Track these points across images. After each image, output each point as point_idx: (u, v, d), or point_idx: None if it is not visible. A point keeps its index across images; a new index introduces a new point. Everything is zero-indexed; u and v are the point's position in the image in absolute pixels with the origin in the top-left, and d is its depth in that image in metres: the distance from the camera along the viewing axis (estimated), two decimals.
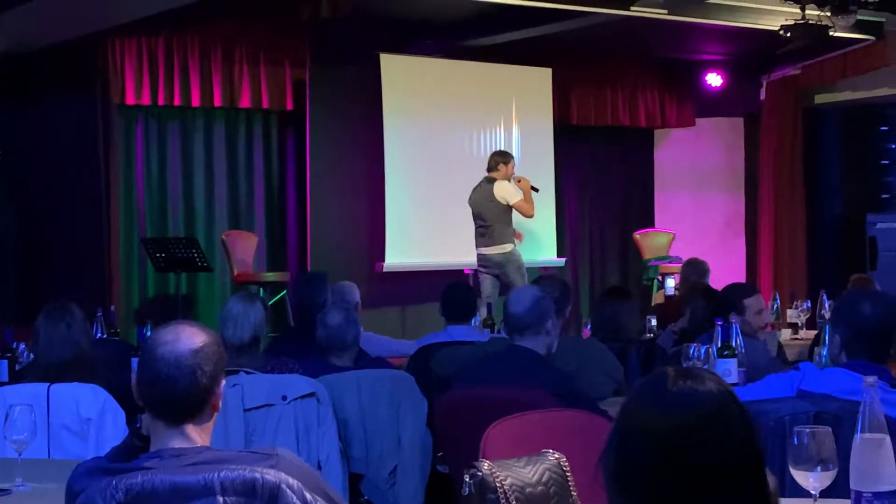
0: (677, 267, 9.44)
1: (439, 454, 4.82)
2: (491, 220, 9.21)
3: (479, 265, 9.35)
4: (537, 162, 11.20)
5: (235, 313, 4.51)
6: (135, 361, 2.59)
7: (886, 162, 12.51)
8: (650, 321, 6.95)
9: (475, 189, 9.43)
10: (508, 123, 11.06)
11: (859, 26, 10.03)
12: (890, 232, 11.87)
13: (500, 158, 9.40)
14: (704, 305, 5.92)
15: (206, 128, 10.01)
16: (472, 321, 6.37)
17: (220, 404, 2.58)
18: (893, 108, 12.28)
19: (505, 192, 9.21)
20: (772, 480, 2.11)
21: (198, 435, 2.50)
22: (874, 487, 2.33)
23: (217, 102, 9.72)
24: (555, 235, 11.34)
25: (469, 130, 10.86)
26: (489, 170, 9.38)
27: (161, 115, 9.80)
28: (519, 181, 9.39)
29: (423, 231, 10.48)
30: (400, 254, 10.32)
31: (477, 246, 9.33)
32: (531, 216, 9.46)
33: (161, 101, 9.48)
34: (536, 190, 9.54)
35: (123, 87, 9.27)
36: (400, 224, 10.33)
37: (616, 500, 1.84)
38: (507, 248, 9.20)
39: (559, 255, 11.39)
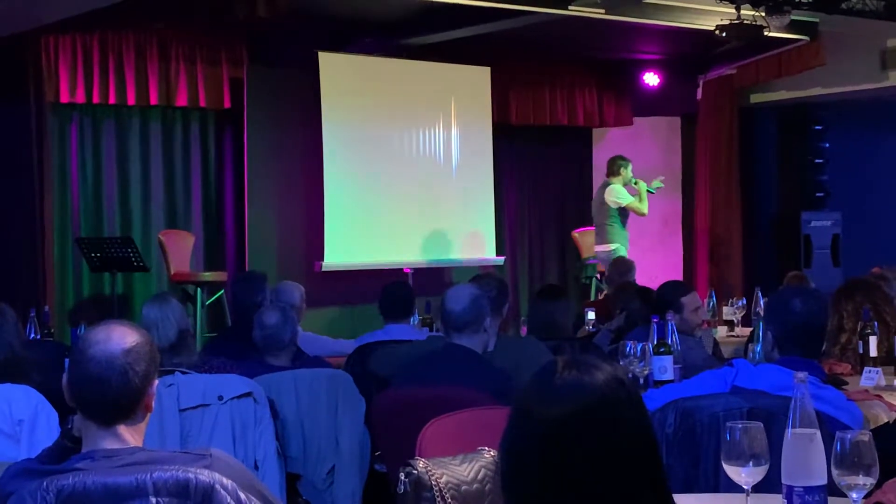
0: None
1: (377, 453, 4.81)
2: (600, 220, 10.14)
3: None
4: (476, 161, 11.22)
5: (154, 318, 4.49)
6: (68, 362, 2.56)
7: (820, 161, 12.68)
8: (588, 313, 7.00)
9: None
10: (447, 122, 11.07)
11: (793, 26, 10.15)
12: (823, 230, 12.04)
13: (621, 163, 10.18)
14: (640, 304, 5.96)
15: (141, 126, 9.91)
16: (411, 320, 6.37)
17: (154, 404, 2.55)
18: (827, 108, 12.45)
19: (614, 195, 10.06)
20: None
21: (130, 435, 2.48)
22: (805, 482, 2.36)
23: (153, 101, 9.62)
24: (493, 234, 11.37)
25: (408, 129, 10.85)
26: (609, 174, 10.20)
27: (96, 114, 9.68)
28: (636, 183, 10.19)
29: (363, 230, 10.45)
30: (339, 253, 10.29)
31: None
32: (643, 215, 10.28)
33: (96, 100, 9.36)
34: (652, 192, 10.31)
35: (57, 85, 9.14)
36: (339, 223, 10.29)
37: (505, 495, 1.84)
38: (612, 246, 9.97)
39: (498, 253, 11.43)
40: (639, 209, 10.14)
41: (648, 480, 1.80)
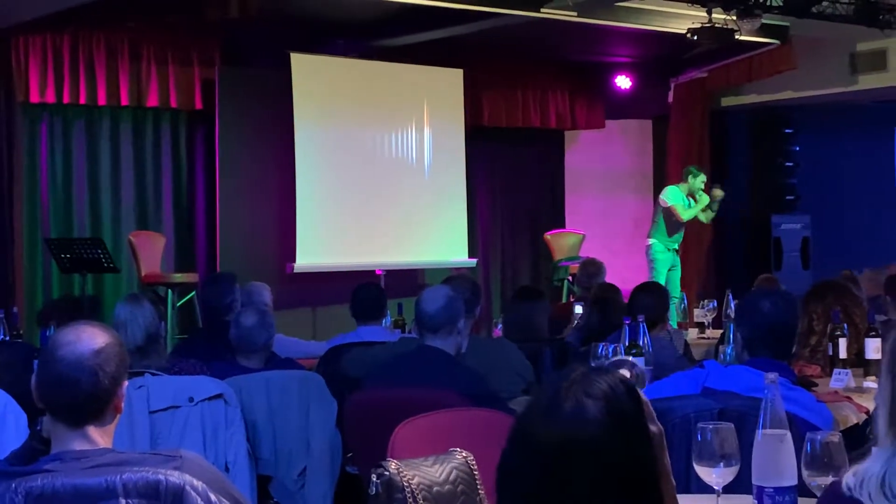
0: None
1: (349, 455, 4.80)
2: (653, 216, 10.55)
3: None
4: (448, 163, 11.22)
5: (123, 319, 4.47)
6: (37, 363, 2.54)
7: (791, 164, 12.75)
8: (576, 307, 7.02)
9: None
10: (420, 124, 11.07)
11: (764, 30, 10.20)
12: (793, 232, 12.11)
13: (690, 171, 10.54)
14: (599, 309, 5.97)
15: (112, 127, 9.85)
16: (383, 322, 6.36)
17: (124, 406, 2.54)
18: (798, 111, 12.51)
19: (664, 195, 10.42)
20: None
21: (100, 437, 2.47)
22: (775, 482, 2.37)
23: (124, 101, 9.57)
24: (466, 236, 11.38)
25: (381, 131, 10.84)
26: (682, 179, 10.66)
27: (66, 114, 9.62)
28: (699, 194, 10.46)
29: (334, 232, 10.44)
30: (311, 255, 10.26)
31: None
32: (681, 220, 10.38)
33: (66, 100, 9.31)
34: (704, 207, 10.47)
35: (28, 84, 9.09)
36: (311, 225, 10.27)
37: None
38: (648, 242, 10.41)
39: (471, 255, 11.43)
40: (679, 213, 10.35)
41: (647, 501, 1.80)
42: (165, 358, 4.59)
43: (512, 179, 12.31)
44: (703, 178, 10.46)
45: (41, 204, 9.45)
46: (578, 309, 7.04)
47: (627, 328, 4.57)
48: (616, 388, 1.82)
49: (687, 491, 2.90)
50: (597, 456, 1.76)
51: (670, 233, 10.42)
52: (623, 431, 1.79)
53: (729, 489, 2.50)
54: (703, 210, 10.47)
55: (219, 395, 4.27)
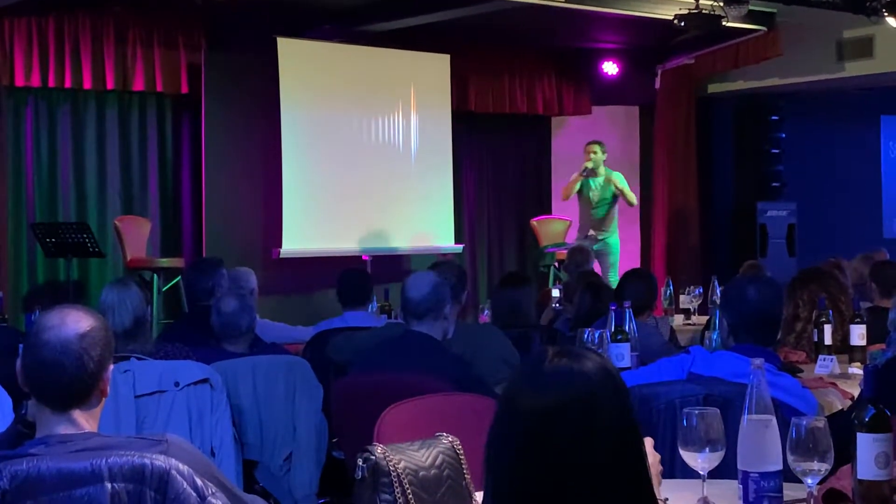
0: None
1: (335, 440, 4.81)
2: None
3: None
4: (435, 148, 11.21)
5: (111, 303, 4.44)
6: (22, 347, 2.53)
7: (777, 151, 12.76)
8: (553, 291, 7.04)
9: None
10: (407, 109, 11.05)
11: (751, 17, 10.21)
12: (779, 219, 12.13)
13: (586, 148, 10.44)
14: (592, 294, 5.97)
15: (98, 110, 9.81)
16: (369, 307, 6.36)
17: (109, 389, 2.54)
18: (784, 98, 12.52)
19: None
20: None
21: (85, 421, 2.46)
22: (761, 468, 2.38)
23: (109, 85, 9.53)
24: (452, 221, 11.37)
25: (367, 116, 10.81)
26: None
27: (51, 98, 9.57)
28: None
29: (321, 217, 10.42)
30: (297, 240, 10.25)
31: None
32: (563, 199, 10.62)
33: (52, 83, 9.26)
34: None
35: (12, 68, 9.04)
36: (297, 210, 10.26)
37: (488, 481, 1.83)
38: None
39: (457, 241, 11.43)
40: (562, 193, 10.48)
41: (631, 470, 1.80)
42: (152, 342, 4.58)
43: (498, 165, 12.31)
44: (590, 148, 10.40)
45: (26, 188, 9.41)
46: (556, 293, 7.07)
47: (613, 314, 4.57)
48: (597, 356, 1.84)
49: (672, 476, 2.91)
50: (585, 415, 1.75)
51: (583, 223, 10.44)
52: (610, 392, 1.79)
53: (714, 474, 2.51)
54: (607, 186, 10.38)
55: (204, 380, 4.27)
